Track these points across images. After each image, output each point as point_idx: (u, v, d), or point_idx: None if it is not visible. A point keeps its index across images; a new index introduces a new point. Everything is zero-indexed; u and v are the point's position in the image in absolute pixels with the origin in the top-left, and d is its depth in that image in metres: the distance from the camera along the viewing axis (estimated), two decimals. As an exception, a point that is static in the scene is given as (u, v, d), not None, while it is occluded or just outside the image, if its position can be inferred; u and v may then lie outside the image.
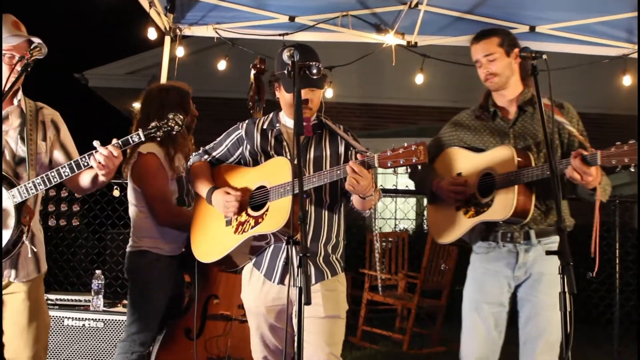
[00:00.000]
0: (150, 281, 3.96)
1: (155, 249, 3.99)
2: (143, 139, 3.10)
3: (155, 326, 4.01)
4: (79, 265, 7.77)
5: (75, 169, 3.15)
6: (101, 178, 3.19)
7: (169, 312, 4.05)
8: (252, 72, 4.15)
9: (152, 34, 6.01)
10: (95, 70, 12.56)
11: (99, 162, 3.08)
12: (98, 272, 5.05)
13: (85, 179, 3.35)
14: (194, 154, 3.61)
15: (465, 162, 3.61)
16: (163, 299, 3.99)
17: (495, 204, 3.41)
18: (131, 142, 3.10)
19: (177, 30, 6.07)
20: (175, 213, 3.98)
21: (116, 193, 6.51)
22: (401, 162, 2.91)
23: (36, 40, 3.15)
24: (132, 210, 4.11)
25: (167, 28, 6.04)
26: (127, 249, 4.08)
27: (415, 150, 2.89)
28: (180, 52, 6.16)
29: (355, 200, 3.26)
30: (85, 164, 3.13)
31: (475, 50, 3.57)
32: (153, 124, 3.14)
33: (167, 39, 6.09)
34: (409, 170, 2.93)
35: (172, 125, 3.16)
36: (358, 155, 3.03)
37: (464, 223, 3.53)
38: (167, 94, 4.09)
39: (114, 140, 3.10)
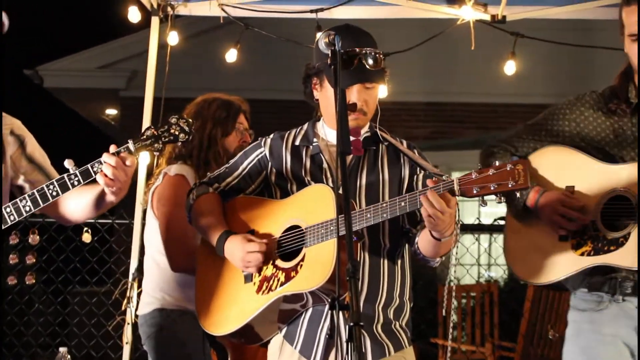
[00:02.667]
0: (177, 338, 4.13)
1: (178, 306, 4.17)
2: (133, 151, 3.13)
3: None
4: (34, 340, 7.85)
5: (41, 202, 3.16)
6: (110, 198, 3.22)
7: None
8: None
9: (133, 14, 6.06)
10: (53, 65, 12.74)
11: (107, 176, 3.09)
12: (62, 350, 5.08)
13: (79, 204, 3.36)
14: (197, 182, 3.66)
15: (583, 172, 3.54)
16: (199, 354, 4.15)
17: (630, 243, 3.35)
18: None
19: (169, 9, 6.12)
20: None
21: (87, 238, 6.53)
22: (492, 189, 2.90)
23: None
24: (152, 253, 4.27)
25: (155, 5, 6.10)
26: (139, 312, 4.25)
27: (511, 171, 2.88)
28: (173, 38, 6.20)
29: (424, 242, 3.25)
30: (55, 193, 3.13)
31: (633, 18, 3.39)
32: (148, 132, 3.16)
33: (155, 21, 6.13)
34: (502, 199, 2.92)
35: (176, 133, 3.17)
36: (428, 181, 3.02)
37: (573, 261, 3.47)
38: (208, 108, 4.28)
39: (111, 147, 3.12)
